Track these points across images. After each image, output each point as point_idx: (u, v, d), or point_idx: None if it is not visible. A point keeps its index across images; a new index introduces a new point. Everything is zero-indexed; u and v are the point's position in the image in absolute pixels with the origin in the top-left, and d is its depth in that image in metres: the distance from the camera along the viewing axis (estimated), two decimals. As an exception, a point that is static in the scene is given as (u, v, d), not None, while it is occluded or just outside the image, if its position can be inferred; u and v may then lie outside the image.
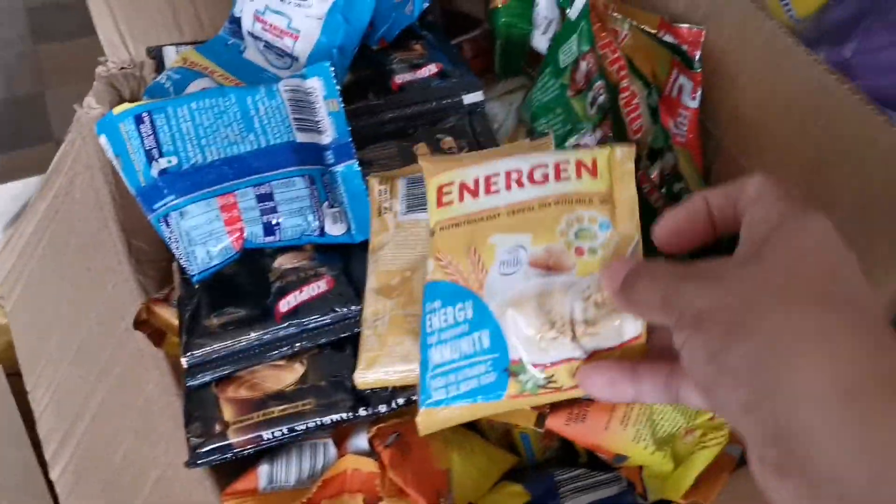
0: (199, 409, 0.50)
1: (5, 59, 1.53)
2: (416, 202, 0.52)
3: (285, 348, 0.50)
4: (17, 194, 0.77)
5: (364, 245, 0.53)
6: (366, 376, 0.47)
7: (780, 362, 0.27)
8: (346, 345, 0.51)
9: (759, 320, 0.28)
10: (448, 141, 0.58)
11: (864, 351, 0.27)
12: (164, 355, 0.55)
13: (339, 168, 0.53)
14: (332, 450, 0.53)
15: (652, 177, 0.51)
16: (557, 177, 0.42)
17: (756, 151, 0.56)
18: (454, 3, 0.76)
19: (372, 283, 0.49)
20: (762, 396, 0.27)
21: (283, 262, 0.52)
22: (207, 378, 0.50)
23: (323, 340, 0.51)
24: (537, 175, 0.42)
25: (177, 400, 0.53)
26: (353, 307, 0.50)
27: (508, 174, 0.43)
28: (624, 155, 0.41)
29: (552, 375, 0.40)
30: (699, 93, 0.57)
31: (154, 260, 0.61)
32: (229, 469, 0.53)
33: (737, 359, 0.28)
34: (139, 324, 0.55)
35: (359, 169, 0.54)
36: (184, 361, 0.50)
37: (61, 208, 0.69)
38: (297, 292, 0.51)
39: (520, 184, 0.42)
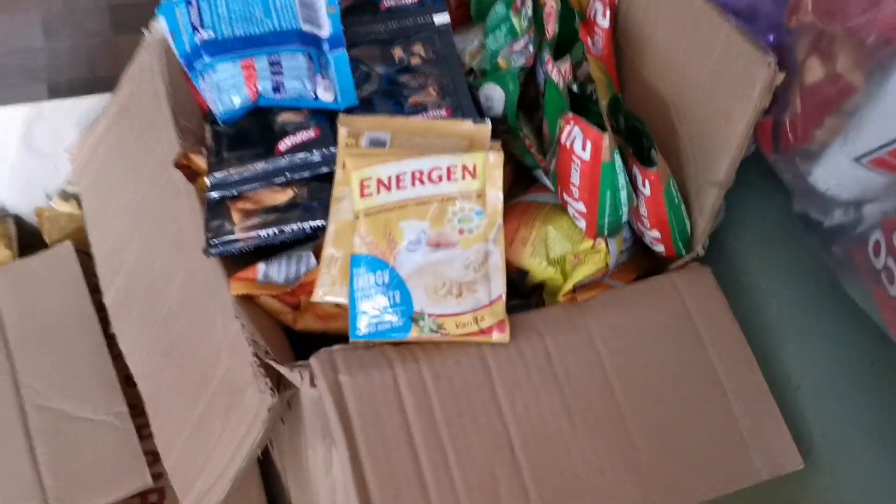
0: (215, 215, 0.68)
1: (90, 47, 1.77)
2: None
3: (282, 177, 0.68)
4: (96, 105, 0.97)
5: (347, 111, 0.71)
6: (321, 299, 0.65)
7: None
8: (328, 178, 0.69)
9: None
10: (418, 47, 0.76)
11: None
12: (195, 191, 0.74)
13: (333, 54, 0.72)
14: (313, 260, 0.70)
15: (562, 70, 0.68)
16: (449, 177, 0.63)
17: (649, 58, 0.73)
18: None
19: (331, 228, 0.66)
20: None
21: (284, 118, 0.71)
22: (224, 193, 0.68)
23: (308, 174, 0.69)
24: (434, 176, 0.63)
25: (203, 222, 0.71)
26: (332, 148, 0.68)
27: (413, 174, 0.63)
28: (495, 159, 0.63)
29: (442, 324, 0.60)
30: (608, 14, 0.74)
31: (195, 133, 0.80)
32: (235, 268, 0.71)
33: None
34: (177, 165, 0.73)
35: (347, 57, 0.72)
36: (207, 180, 0.68)
37: (129, 106, 0.89)
38: (292, 136, 0.69)
39: (422, 182, 0.63)
